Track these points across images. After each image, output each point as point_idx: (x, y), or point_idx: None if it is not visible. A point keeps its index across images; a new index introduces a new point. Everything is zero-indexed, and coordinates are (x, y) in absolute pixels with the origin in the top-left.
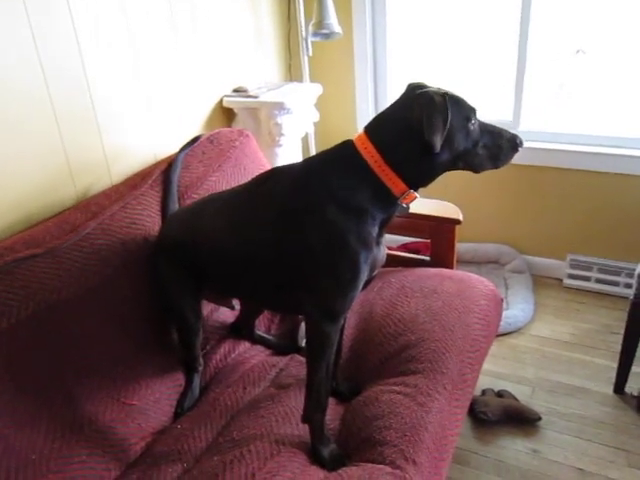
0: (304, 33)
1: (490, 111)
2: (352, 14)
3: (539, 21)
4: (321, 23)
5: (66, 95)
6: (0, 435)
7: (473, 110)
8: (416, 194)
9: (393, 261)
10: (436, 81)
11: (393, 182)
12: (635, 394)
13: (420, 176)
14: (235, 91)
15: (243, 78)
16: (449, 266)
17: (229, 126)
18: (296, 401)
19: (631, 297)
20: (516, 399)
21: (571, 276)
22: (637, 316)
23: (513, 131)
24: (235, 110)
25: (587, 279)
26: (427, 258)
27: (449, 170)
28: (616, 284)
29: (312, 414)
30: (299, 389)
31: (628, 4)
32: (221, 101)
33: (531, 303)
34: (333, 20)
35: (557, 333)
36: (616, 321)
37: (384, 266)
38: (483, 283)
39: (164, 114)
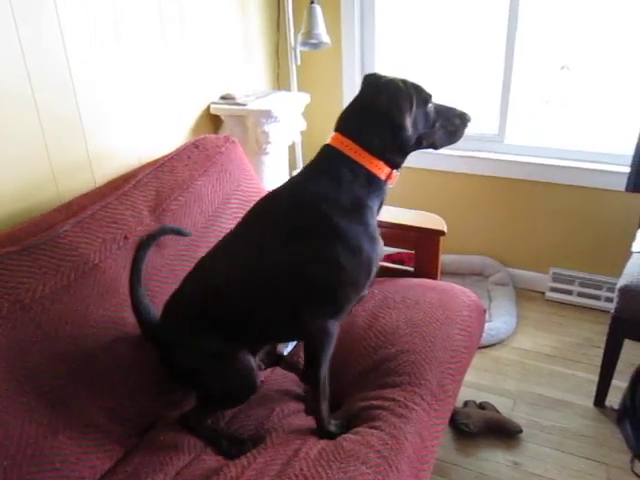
0: (293, 42)
1: (475, 124)
2: (341, 24)
3: (525, 37)
4: (310, 33)
5: (51, 98)
6: None
7: (429, 95)
8: (398, 172)
9: (377, 272)
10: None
11: (379, 167)
12: (615, 407)
13: (397, 156)
14: (222, 98)
15: (231, 85)
16: (433, 277)
17: (216, 133)
18: (278, 406)
19: (612, 311)
20: (498, 411)
21: (553, 289)
22: (617, 330)
23: (498, 144)
24: (222, 117)
25: (569, 292)
26: (411, 269)
27: (415, 149)
28: (598, 298)
29: (320, 405)
30: (278, 397)
31: (612, 22)
32: (208, 108)
33: (514, 315)
34: (322, 30)
35: (539, 346)
36: (597, 335)
37: None
38: (466, 294)
39: (150, 118)
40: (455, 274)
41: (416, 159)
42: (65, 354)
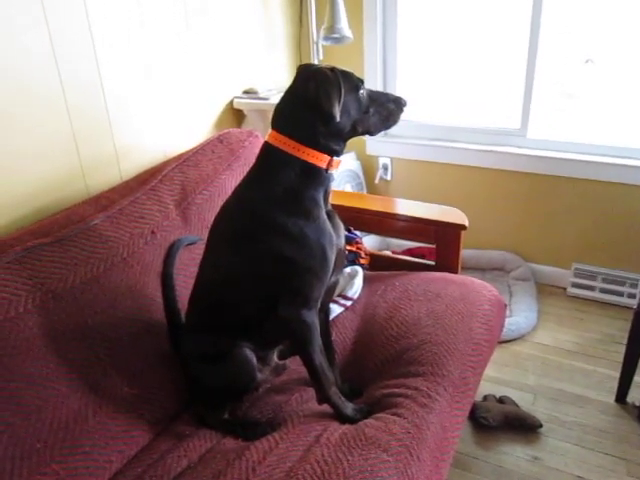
0: (315, 37)
1: (498, 118)
2: (363, 19)
3: (549, 30)
4: (332, 27)
5: (80, 95)
6: (6, 423)
7: (360, 80)
8: (339, 159)
9: (398, 265)
10: (446, 86)
11: (317, 157)
12: (637, 404)
13: (334, 144)
14: (245, 92)
15: (254, 80)
16: (454, 271)
17: (239, 127)
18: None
19: (635, 307)
20: (517, 406)
21: (575, 285)
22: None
23: (520, 138)
24: (245, 111)
25: (591, 288)
26: (432, 263)
27: (352, 136)
28: (620, 294)
29: (327, 392)
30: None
31: (637, 14)
32: (231, 102)
33: (534, 311)
34: (344, 24)
35: (560, 341)
36: (619, 331)
37: (392, 269)
38: (487, 288)
39: (175, 114)
40: (475, 269)
41: (437, 153)
42: (94, 343)
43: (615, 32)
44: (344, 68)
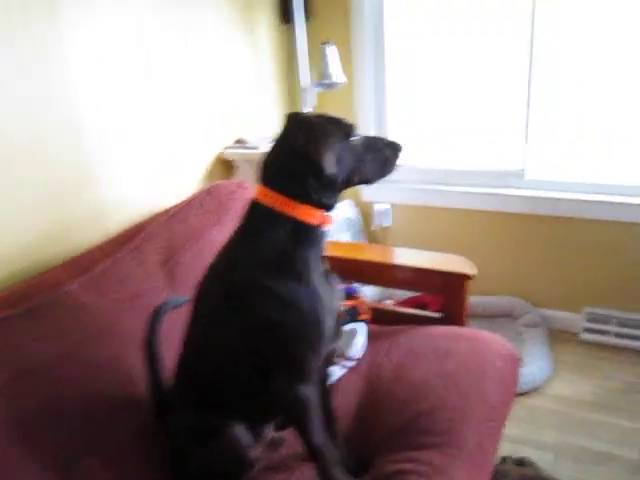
0: (306, 84)
1: (497, 160)
2: (353, 64)
3: (549, 67)
4: (323, 74)
5: (59, 148)
6: None
7: (352, 126)
8: (333, 214)
9: (402, 319)
10: (442, 129)
11: (308, 214)
12: None
13: (326, 197)
14: (236, 142)
15: (244, 129)
16: (461, 323)
17: (229, 179)
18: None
19: None
20: (538, 468)
21: (588, 330)
22: None
23: (522, 180)
24: (236, 162)
25: (605, 333)
26: (437, 315)
27: (347, 187)
28: (637, 338)
29: (330, 473)
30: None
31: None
32: (221, 153)
33: (548, 360)
34: (335, 70)
35: (578, 392)
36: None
37: (396, 322)
38: (498, 342)
39: (162, 167)
40: (482, 316)
41: (437, 198)
42: (71, 421)
43: (618, 67)
44: (334, 114)
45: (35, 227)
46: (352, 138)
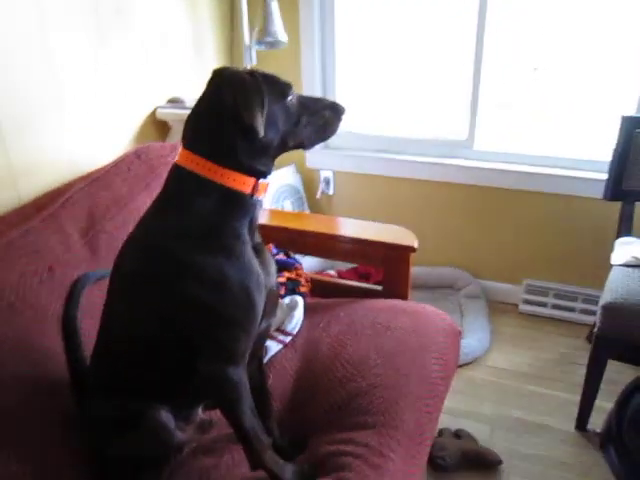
0: (247, 41)
1: (443, 129)
2: (299, 22)
3: (495, 38)
4: (265, 30)
5: None
6: None
7: (288, 85)
8: (267, 181)
9: (342, 291)
10: (390, 95)
11: (238, 181)
12: (597, 431)
13: (259, 163)
14: (170, 102)
15: (180, 88)
16: (403, 296)
17: (163, 141)
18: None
19: (595, 330)
20: (475, 440)
21: (527, 302)
22: (601, 350)
23: (467, 150)
24: (170, 123)
25: (543, 305)
26: (379, 288)
27: (282, 152)
28: (572, 310)
29: (261, 457)
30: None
31: (587, 20)
32: (154, 113)
33: (487, 332)
34: (278, 28)
35: (515, 364)
36: (574, 350)
37: (336, 294)
38: (440, 316)
39: (88, 125)
40: (424, 287)
41: (382, 166)
42: None
43: (562, 40)
44: (268, 72)
45: None
46: (288, 98)
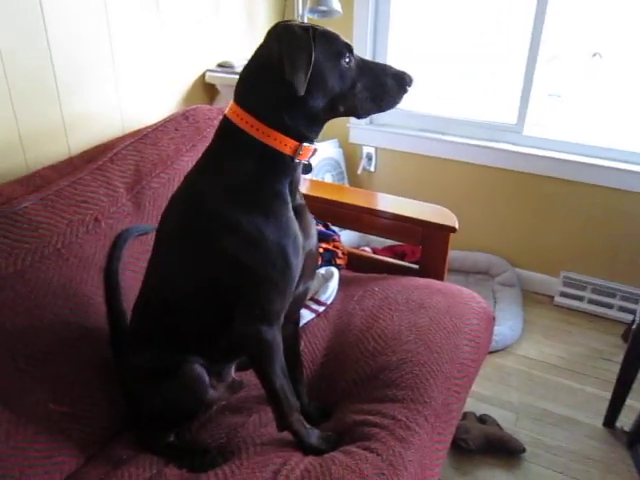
0: (300, 9)
1: (493, 113)
2: None
3: (554, 20)
4: None
5: (19, 49)
6: None
7: (347, 45)
8: (312, 146)
9: (378, 267)
10: (440, 74)
11: (280, 142)
12: (626, 429)
13: (303, 126)
14: (220, 66)
15: (230, 53)
16: (439, 277)
17: (210, 104)
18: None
19: (635, 326)
20: (499, 426)
21: (563, 294)
22: (638, 347)
23: (516, 135)
24: (218, 87)
25: (580, 299)
26: (415, 266)
27: (332, 117)
28: (610, 306)
29: (288, 419)
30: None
31: None
32: (203, 76)
33: (520, 320)
34: None
35: (546, 355)
36: (608, 346)
37: (371, 270)
38: (475, 299)
39: (137, 83)
40: (459, 271)
41: (426, 146)
42: (14, 350)
43: (623, 26)
44: (331, 29)
45: None
46: (345, 59)
